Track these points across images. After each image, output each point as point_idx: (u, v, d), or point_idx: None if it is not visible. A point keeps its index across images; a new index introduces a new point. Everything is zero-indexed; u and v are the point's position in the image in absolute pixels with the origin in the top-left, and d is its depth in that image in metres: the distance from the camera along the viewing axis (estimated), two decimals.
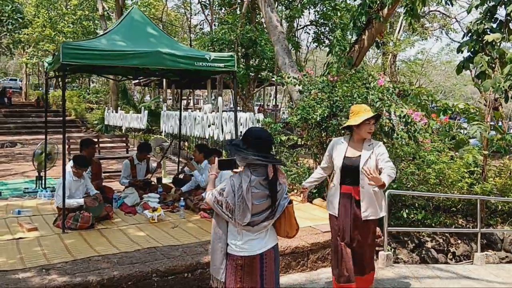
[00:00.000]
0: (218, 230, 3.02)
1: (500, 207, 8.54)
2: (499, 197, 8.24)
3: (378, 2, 8.22)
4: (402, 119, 6.38)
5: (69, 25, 26.81)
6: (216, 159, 3.07)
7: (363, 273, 4.20)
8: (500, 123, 10.97)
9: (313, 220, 6.05)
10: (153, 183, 7.73)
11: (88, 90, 32.98)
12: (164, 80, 22.50)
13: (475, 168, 8.16)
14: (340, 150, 4.21)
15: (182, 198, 6.56)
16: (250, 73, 17.88)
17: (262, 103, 32.89)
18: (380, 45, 9.70)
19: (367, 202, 4.07)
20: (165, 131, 14.95)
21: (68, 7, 28.75)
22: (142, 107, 18.16)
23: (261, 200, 2.89)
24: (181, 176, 7.89)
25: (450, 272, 5.74)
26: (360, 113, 4.08)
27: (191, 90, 31.81)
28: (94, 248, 4.83)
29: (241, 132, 10.14)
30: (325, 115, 6.46)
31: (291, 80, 7.40)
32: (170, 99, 30.18)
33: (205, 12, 23.34)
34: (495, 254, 7.57)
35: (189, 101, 34.88)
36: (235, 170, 3.07)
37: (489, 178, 8.60)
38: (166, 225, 5.87)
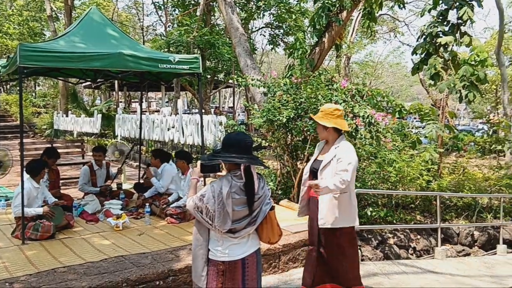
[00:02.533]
0: (199, 237, 2.94)
1: (454, 202, 8.94)
2: (456, 193, 8.62)
3: (338, 5, 8.37)
4: (365, 120, 6.51)
5: (15, 26, 25.52)
6: (199, 162, 2.99)
7: (342, 284, 4.04)
8: (447, 122, 11.50)
9: (282, 221, 5.99)
10: (114, 189, 7.48)
11: (34, 94, 31.50)
12: (116, 82, 21.86)
13: (432, 166, 8.49)
14: (316, 152, 4.19)
15: (147, 204, 6.38)
16: (207, 75, 17.74)
17: (217, 105, 32.76)
18: (339, 47, 9.88)
19: (324, 210, 3.92)
20: (120, 135, 14.53)
21: (13, 7, 27.38)
22: (95, 111, 17.56)
23: (242, 207, 2.83)
24: (142, 181, 7.70)
25: (416, 267, 5.93)
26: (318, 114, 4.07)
27: (144, 92, 31.11)
28: (58, 259, 4.59)
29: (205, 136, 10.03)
30: (291, 116, 6.50)
31: (255, 82, 7.39)
32: (121, 101, 29.40)
33: (158, 12, 22.92)
34: (452, 248, 7.90)
35: (141, 103, 34.10)
36: (218, 174, 3.01)
37: (444, 175, 8.98)
38: (132, 232, 5.69)
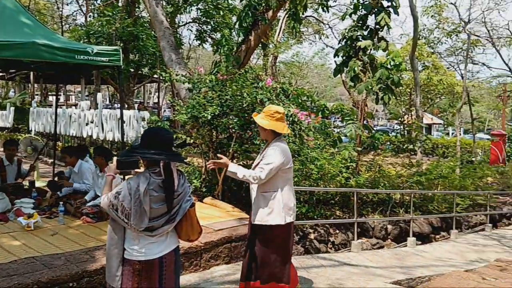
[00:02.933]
0: (114, 236, 2.82)
1: (370, 198, 9.42)
2: (372, 189, 9.08)
3: (264, 4, 8.47)
4: (289, 118, 6.65)
5: None
6: (115, 158, 2.86)
7: (264, 280, 4.03)
8: (366, 122, 12.11)
9: (205, 219, 6.00)
10: (25, 187, 6.98)
11: None
12: (32, 73, 20.47)
13: (351, 163, 8.88)
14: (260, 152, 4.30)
15: (61, 203, 6.02)
16: (130, 69, 17.14)
17: (142, 100, 31.82)
18: (266, 46, 10.01)
19: (255, 206, 4.02)
20: (35, 130, 13.63)
21: None
22: (8, 103, 16.31)
23: (160, 204, 2.76)
24: (56, 179, 7.26)
25: (333, 260, 6.17)
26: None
27: (61, 85, 29.44)
28: None
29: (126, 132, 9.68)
30: (216, 113, 6.46)
31: (179, 78, 7.26)
32: (37, 94, 27.57)
33: (79, 1, 21.78)
34: (367, 241, 8.32)
35: (59, 97, 32.24)
36: (137, 170, 2.90)
37: (361, 172, 9.43)
38: (45, 232, 5.34)
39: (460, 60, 24.59)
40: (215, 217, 5.91)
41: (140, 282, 2.79)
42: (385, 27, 8.92)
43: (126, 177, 4.69)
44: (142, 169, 2.88)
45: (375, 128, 34.43)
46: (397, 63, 8.42)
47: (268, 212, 3.94)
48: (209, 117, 6.40)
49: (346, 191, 8.26)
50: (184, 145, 8.14)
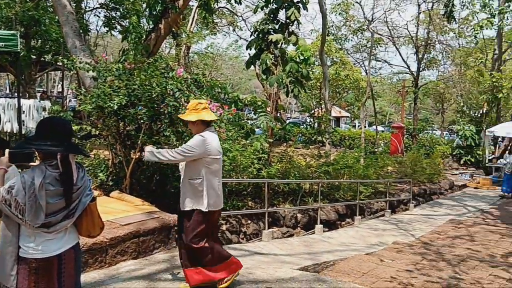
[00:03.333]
0: (8, 233, 2.61)
1: (282, 188, 9.71)
2: (283, 180, 9.34)
3: None
4: None
5: None
6: (7, 150, 2.63)
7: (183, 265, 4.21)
8: (279, 114, 12.44)
9: (111, 213, 5.76)
10: None
11: None
12: None
13: (263, 155, 9.05)
14: None
15: None
16: (32, 56, 15.89)
17: (45, 89, 29.66)
18: (176, 35, 9.81)
19: (182, 193, 4.16)
20: None
21: None
22: None
23: (58, 199, 2.59)
24: None
25: (244, 250, 6.26)
26: None
27: None
28: None
29: (23, 121, 8.99)
30: (123, 103, 6.21)
31: (83, 66, 6.86)
32: None
33: None
34: (278, 230, 8.57)
35: None
36: (32, 164, 2.68)
37: (273, 163, 9.67)
38: None
39: (364, 57, 26.16)
40: (122, 212, 5.70)
41: (37, 282, 2.61)
42: (295, 22, 9.17)
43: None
44: (38, 162, 2.68)
45: (287, 121, 35.41)
46: (306, 57, 8.71)
47: (193, 199, 4.08)
48: (116, 107, 6.12)
49: (258, 182, 8.42)
50: (89, 136, 7.73)
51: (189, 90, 6.85)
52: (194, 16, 16.85)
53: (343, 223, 10.42)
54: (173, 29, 8.93)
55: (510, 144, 20.49)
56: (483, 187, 17.72)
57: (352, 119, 45.26)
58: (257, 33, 9.03)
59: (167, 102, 6.46)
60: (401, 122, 26.34)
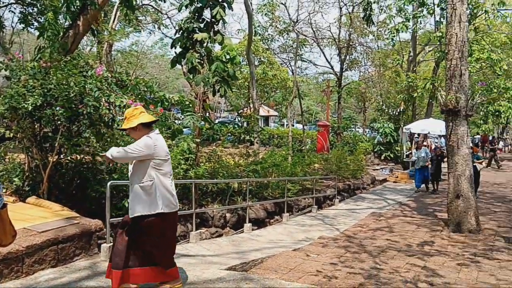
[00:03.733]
0: None
1: (210, 188, 9.64)
2: (211, 180, 9.28)
3: None
4: (122, 109, 6.37)
5: None
6: None
7: (144, 264, 4.23)
8: (207, 114, 12.35)
9: (28, 220, 5.41)
10: None
11: None
12: None
13: (190, 155, 8.93)
14: None
15: None
16: None
17: None
18: (96, 33, 9.38)
19: (132, 198, 4.16)
20: None
21: None
22: None
23: None
24: None
25: None
26: None
27: None
28: None
29: None
30: (38, 104, 5.84)
31: None
32: None
33: None
34: (207, 230, 8.51)
35: None
36: None
37: (201, 163, 9.58)
38: None
39: (291, 57, 26.72)
40: (39, 218, 5.36)
41: None
42: (221, 21, 9.12)
43: None
44: None
45: (217, 120, 35.32)
46: (232, 56, 8.69)
47: (145, 202, 4.07)
48: (30, 108, 5.75)
49: (184, 182, 8.30)
50: (3, 139, 7.21)
51: (110, 89, 6.59)
52: (116, 13, 16.20)
53: (272, 220, 10.58)
54: (93, 26, 8.54)
55: (422, 140, 21.96)
56: (401, 181, 18.82)
57: (281, 118, 46.20)
58: (182, 31, 8.87)
59: (86, 102, 6.17)
60: (327, 121, 27.27)
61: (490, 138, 35.54)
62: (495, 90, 23.18)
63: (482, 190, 14.48)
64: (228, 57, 8.71)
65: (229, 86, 8.89)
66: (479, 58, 20.34)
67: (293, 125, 40.28)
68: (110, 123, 6.73)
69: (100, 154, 4.23)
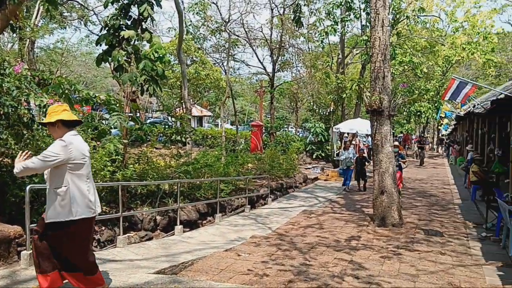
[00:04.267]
0: None
1: (139, 191, 9.35)
2: (138, 182, 9.00)
3: None
4: (43, 109, 6.02)
5: None
6: None
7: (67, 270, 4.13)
8: (138, 114, 12.01)
9: None
10: None
11: None
12: None
13: (117, 157, 8.61)
14: None
15: None
16: None
17: None
18: (16, 29, 8.78)
19: (48, 203, 4.02)
20: None
21: None
22: None
23: None
24: None
25: (96, 259, 5.84)
26: None
27: None
28: None
29: None
30: None
31: None
32: None
33: None
34: (136, 234, 8.24)
35: None
36: None
37: (129, 165, 9.26)
38: None
39: (223, 57, 26.68)
40: None
41: None
42: (149, 19, 8.89)
43: None
44: None
45: (148, 120, 34.47)
46: (161, 55, 8.49)
47: (59, 208, 3.93)
48: None
49: (110, 185, 7.98)
50: None
51: (29, 88, 6.19)
52: (39, 9, 15.29)
53: (204, 221, 10.47)
54: (12, 21, 7.97)
55: (351, 140, 22.88)
56: (331, 179, 19.44)
57: (215, 118, 46.08)
58: (107, 28, 8.52)
59: (3, 101, 5.76)
60: (260, 121, 27.56)
61: (414, 137, 37.75)
62: (416, 92, 24.72)
63: (405, 186, 15.32)
64: (156, 55, 8.51)
65: (158, 86, 8.68)
66: (402, 61, 21.55)
67: (227, 125, 40.33)
68: (29, 124, 6.32)
69: (18, 169, 3.89)
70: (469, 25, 22.64)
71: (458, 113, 22.92)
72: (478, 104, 14.79)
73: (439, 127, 39.03)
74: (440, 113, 24.52)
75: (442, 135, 41.21)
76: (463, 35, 22.06)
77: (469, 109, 18.42)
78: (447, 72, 27.64)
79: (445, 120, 29.87)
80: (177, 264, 5.95)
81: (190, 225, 9.84)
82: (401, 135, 36.41)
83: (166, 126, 15.58)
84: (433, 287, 5.32)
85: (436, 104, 25.36)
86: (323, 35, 18.64)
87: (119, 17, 8.44)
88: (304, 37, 26.48)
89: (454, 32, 22.68)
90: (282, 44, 26.56)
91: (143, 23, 8.80)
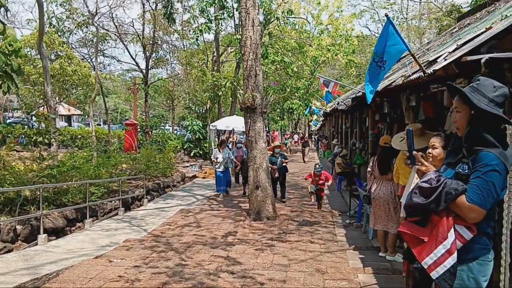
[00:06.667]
0: None
1: None
2: None
3: None
4: None
5: None
6: None
7: None
8: None
9: None
10: None
11: None
12: None
13: None
14: None
15: None
16: None
17: None
18: None
19: None
20: None
21: None
22: None
23: None
24: None
25: None
26: None
27: None
28: None
29: None
30: None
31: None
32: None
33: None
34: None
35: None
36: None
37: None
38: None
39: (92, 52, 25.12)
40: None
41: None
42: (2, 9, 7.98)
43: None
44: None
45: (8, 120, 31.12)
46: (16, 48, 7.67)
47: None
48: None
49: None
50: None
51: None
52: None
53: (73, 228, 9.74)
54: None
55: (228, 137, 23.28)
56: (209, 176, 19.52)
57: (85, 117, 43.26)
58: None
59: None
60: (134, 119, 26.58)
61: (288, 133, 39.67)
62: (288, 89, 26.03)
63: None
64: (11, 48, 7.66)
65: (14, 82, 7.84)
66: (274, 60, 22.50)
67: (99, 125, 38.16)
68: None
69: None
70: (332, 28, 24.59)
71: (325, 110, 24.62)
72: (341, 101, 16.07)
73: (309, 123, 41.55)
74: (309, 110, 26.09)
75: (311, 131, 44.00)
76: (328, 37, 23.88)
77: (333, 106, 19.90)
78: (315, 71, 29.52)
79: (315, 116, 31.91)
80: (40, 277, 5.42)
81: (57, 233, 9.08)
82: (269, 134, 35.91)
83: (27, 127, 14.14)
84: (302, 275, 5.62)
85: (306, 102, 26.93)
86: (198, 33, 18.58)
87: None
88: (179, 34, 26.15)
89: (320, 34, 24.41)
90: (156, 40, 25.92)
91: None
